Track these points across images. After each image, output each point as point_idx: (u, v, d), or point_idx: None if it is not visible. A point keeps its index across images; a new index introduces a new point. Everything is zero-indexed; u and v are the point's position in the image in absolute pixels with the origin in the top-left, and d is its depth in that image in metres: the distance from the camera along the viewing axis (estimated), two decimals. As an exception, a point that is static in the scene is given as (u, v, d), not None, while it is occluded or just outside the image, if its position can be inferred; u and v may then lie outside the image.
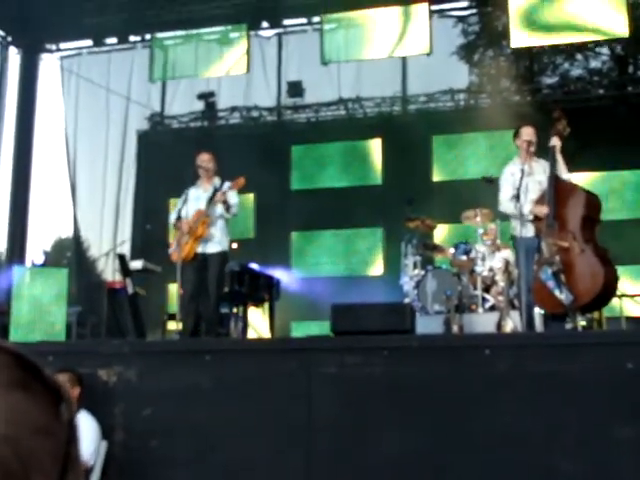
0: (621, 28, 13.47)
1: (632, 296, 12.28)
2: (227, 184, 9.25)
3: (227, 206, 9.05)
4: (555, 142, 7.93)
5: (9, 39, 16.66)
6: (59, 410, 0.86)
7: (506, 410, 5.79)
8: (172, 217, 9.44)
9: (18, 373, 0.84)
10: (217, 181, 9.36)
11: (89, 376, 6.61)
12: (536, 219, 7.84)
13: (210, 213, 9.10)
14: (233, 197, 9.12)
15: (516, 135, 8.43)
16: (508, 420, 5.77)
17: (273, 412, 6.25)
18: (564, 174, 7.97)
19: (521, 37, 13.98)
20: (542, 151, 8.23)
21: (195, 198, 9.25)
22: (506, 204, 8.11)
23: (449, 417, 5.93)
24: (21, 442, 0.82)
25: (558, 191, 7.73)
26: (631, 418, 5.45)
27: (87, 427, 6.12)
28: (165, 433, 6.47)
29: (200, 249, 9.05)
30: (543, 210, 7.71)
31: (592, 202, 7.85)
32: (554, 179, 7.79)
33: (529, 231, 7.95)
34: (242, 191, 9.56)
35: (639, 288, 12.97)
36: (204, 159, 9.36)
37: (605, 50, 16.25)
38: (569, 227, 7.60)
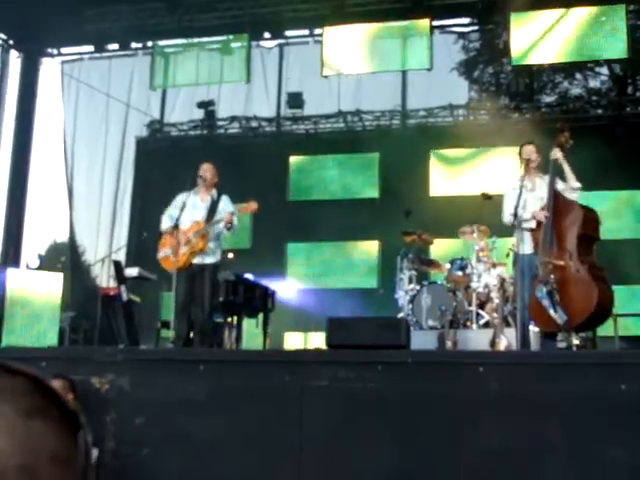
0: (620, 49, 13.53)
1: (626, 315, 12.25)
2: (225, 197, 9.25)
3: (230, 227, 9.06)
4: (556, 154, 7.95)
5: (10, 42, 16.66)
6: (77, 437, 0.86)
7: (498, 428, 5.78)
8: (165, 222, 9.38)
9: (37, 400, 0.84)
10: (214, 192, 9.36)
11: (82, 383, 6.59)
12: (536, 229, 7.84)
13: (210, 229, 9.10)
14: (235, 218, 9.14)
15: (519, 154, 8.48)
16: (499, 438, 5.76)
17: (265, 423, 6.23)
18: (574, 183, 7.97)
19: (521, 54, 14.04)
20: (545, 167, 8.27)
21: (191, 206, 9.23)
22: (508, 217, 8.13)
23: (440, 434, 5.92)
24: (39, 472, 0.81)
25: (557, 208, 7.74)
26: (624, 439, 5.45)
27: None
28: (156, 442, 6.45)
29: (194, 260, 9.05)
30: (542, 214, 7.72)
31: (590, 219, 7.85)
32: (553, 194, 7.80)
33: (528, 248, 7.95)
34: (239, 200, 9.54)
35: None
36: (206, 169, 9.35)
37: (604, 70, 16.31)
38: (566, 245, 7.60)
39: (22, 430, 0.81)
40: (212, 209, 9.21)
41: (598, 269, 7.68)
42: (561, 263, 7.49)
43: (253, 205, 9.24)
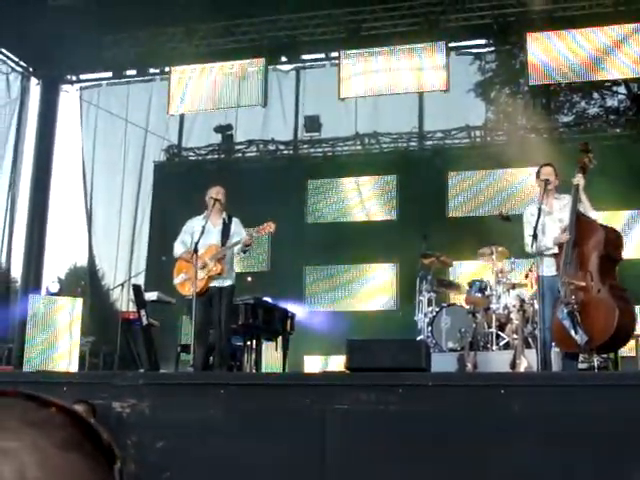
0: (638, 67, 13.52)
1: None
2: (236, 220, 9.27)
3: (248, 248, 9.07)
4: (579, 180, 7.89)
5: (30, 70, 16.82)
6: (112, 471, 0.86)
7: (520, 450, 5.75)
8: (178, 249, 9.38)
9: (72, 432, 0.84)
10: (225, 216, 9.35)
11: (103, 407, 6.60)
12: (557, 254, 7.80)
13: (226, 252, 9.09)
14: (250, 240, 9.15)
15: (537, 175, 8.42)
16: (522, 461, 5.72)
17: (286, 447, 6.21)
18: (591, 212, 7.92)
19: (538, 74, 14.05)
20: (563, 188, 8.23)
21: (205, 231, 9.20)
22: (529, 244, 8.04)
23: (463, 456, 5.88)
24: None
25: (579, 229, 7.69)
26: (648, 461, 5.40)
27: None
28: (177, 466, 6.44)
29: (212, 284, 9.04)
30: (564, 237, 7.68)
31: (612, 240, 7.81)
32: (576, 216, 7.76)
33: (549, 270, 7.90)
34: (256, 224, 9.53)
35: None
36: (219, 192, 9.35)
37: (622, 89, 16.29)
38: (587, 266, 7.56)
39: (58, 463, 0.81)
40: (225, 232, 9.21)
41: (620, 290, 7.63)
42: (582, 284, 7.45)
43: (271, 225, 9.22)
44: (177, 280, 9.26)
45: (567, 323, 7.33)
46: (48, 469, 0.80)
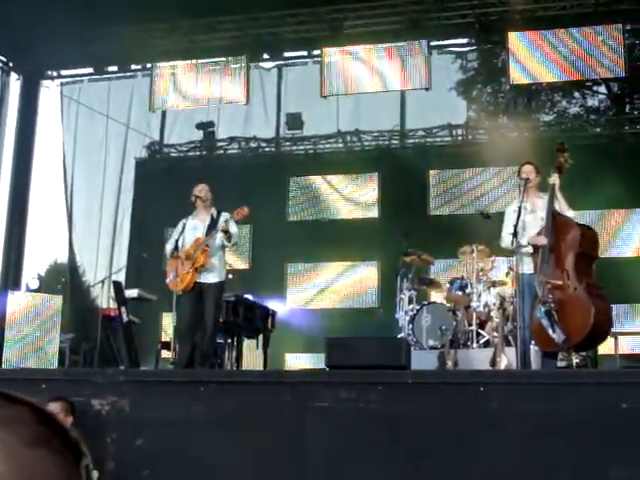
0: (618, 67, 13.59)
1: (626, 334, 12.24)
2: (225, 214, 9.21)
3: (228, 235, 8.98)
4: (554, 179, 7.94)
5: (10, 65, 16.72)
6: (79, 467, 0.86)
7: (499, 448, 5.78)
8: (168, 248, 9.35)
9: (38, 429, 0.84)
10: (214, 211, 9.31)
11: (82, 404, 6.58)
12: (534, 252, 7.82)
13: (210, 243, 9.03)
14: (233, 226, 9.04)
15: (518, 174, 8.46)
16: (501, 458, 5.75)
17: (266, 445, 6.22)
18: (567, 211, 7.95)
19: (519, 74, 14.10)
20: (541, 188, 8.27)
21: (192, 228, 9.18)
22: (507, 240, 8.07)
23: (442, 453, 5.91)
24: None
25: (555, 227, 7.72)
26: (625, 459, 5.44)
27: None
28: (157, 464, 6.43)
29: (199, 279, 8.98)
30: (541, 240, 7.70)
31: (589, 238, 7.84)
32: (552, 216, 7.79)
33: (528, 268, 7.93)
34: (239, 221, 9.48)
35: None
36: (201, 189, 9.32)
37: (602, 89, 16.37)
38: (564, 264, 7.58)
39: (25, 458, 0.81)
40: (212, 227, 9.15)
41: (597, 288, 7.66)
42: (559, 283, 7.48)
43: (245, 209, 9.15)
44: (168, 279, 9.22)
45: (545, 322, 7.35)
46: (14, 465, 0.80)
